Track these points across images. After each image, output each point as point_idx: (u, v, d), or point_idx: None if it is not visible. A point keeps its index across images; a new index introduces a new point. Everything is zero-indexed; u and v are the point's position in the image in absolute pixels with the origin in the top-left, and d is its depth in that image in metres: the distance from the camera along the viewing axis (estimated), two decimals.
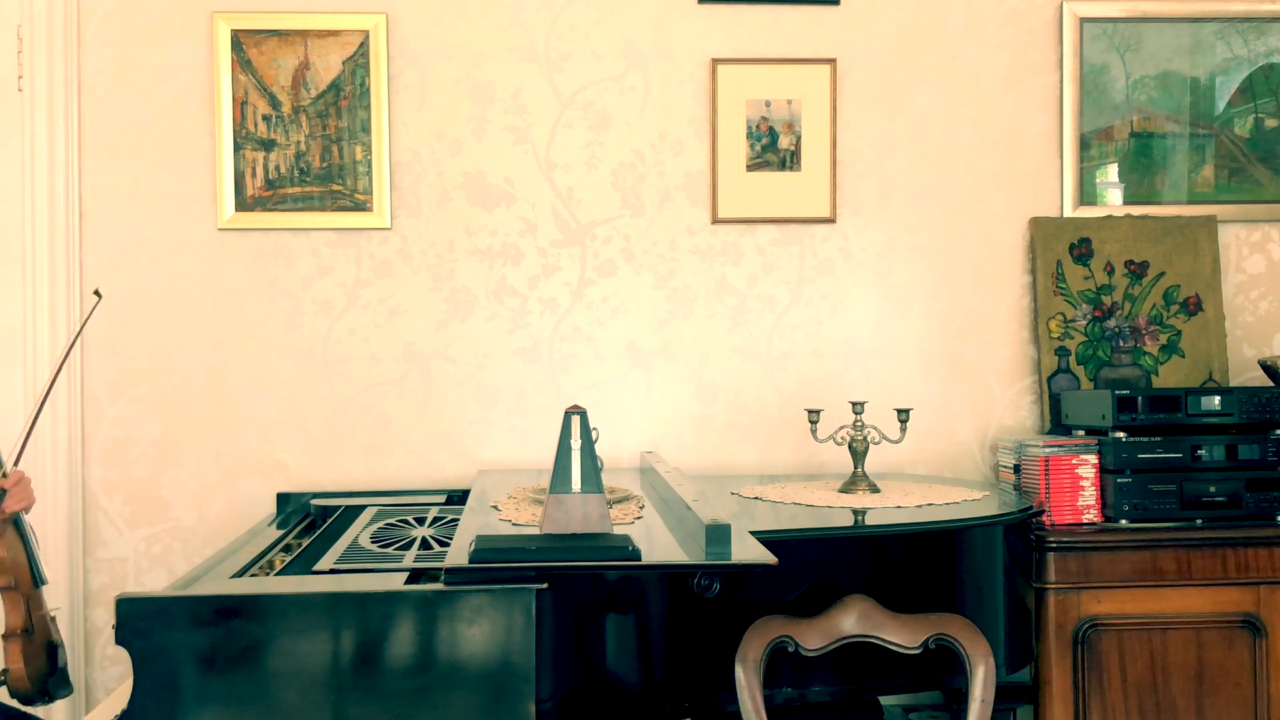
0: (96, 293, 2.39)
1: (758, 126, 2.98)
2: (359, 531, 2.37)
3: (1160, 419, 2.64)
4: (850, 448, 2.65)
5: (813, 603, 2.12)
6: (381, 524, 2.45)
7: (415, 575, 1.93)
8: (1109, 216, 3.04)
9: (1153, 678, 2.53)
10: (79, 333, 2.37)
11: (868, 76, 3.01)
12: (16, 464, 2.17)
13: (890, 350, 3.03)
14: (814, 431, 2.68)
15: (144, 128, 2.91)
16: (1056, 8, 3.04)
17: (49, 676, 2.15)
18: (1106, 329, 3.00)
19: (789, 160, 2.98)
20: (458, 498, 2.81)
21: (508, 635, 1.77)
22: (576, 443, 1.90)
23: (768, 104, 2.98)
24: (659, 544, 1.99)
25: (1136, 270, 3.01)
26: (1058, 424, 2.92)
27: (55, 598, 2.83)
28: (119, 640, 1.73)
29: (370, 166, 2.92)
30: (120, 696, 1.96)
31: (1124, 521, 2.59)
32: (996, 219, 3.04)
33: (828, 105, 2.98)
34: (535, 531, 1.98)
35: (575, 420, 1.90)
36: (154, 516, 2.91)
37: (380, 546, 2.22)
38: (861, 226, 3.02)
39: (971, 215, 3.04)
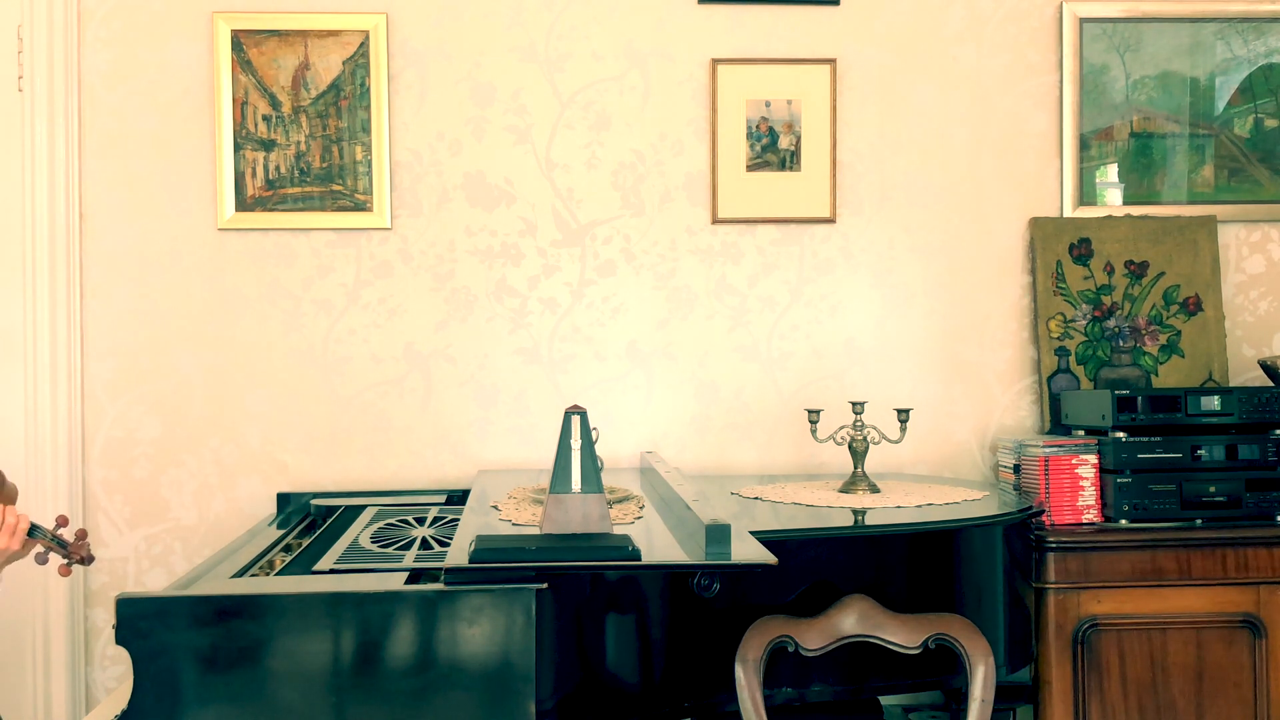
0: None
1: (758, 126, 2.98)
2: (359, 531, 2.37)
3: (1160, 419, 2.64)
4: (850, 448, 2.65)
5: (813, 603, 2.12)
6: (381, 524, 2.45)
7: (415, 575, 1.93)
8: (1109, 216, 3.04)
9: (1152, 678, 2.53)
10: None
11: (868, 76, 3.02)
12: None
13: (890, 350, 3.03)
14: (814, 431, 2.68)
15: (144, 128, 2.91)
16: (1056, 8, 3.04)
17: None
18: (1106, 329, 3.00)
19: (789, 160, 2.98)
20: (458, 498, 2.81)
21: (508, 635, 1.77)
22: (576, 443, 1.90)
23: (768, 104, 2.98)
24: (659, 544, 1.99)
25: (1136, 270, 3.01)
26: (1058, 424, 2.92)
27: (56, 597, 2.83)
28: (119, 640, 1.73)
29: (370, 166, 2.92)
30: (120, 696, 1.96)
31: (1124, 521, 2.60)
32: (996, 219, 3.04)
33: (828, 105, 2.98)
34: (535, 531, 1.98)
35: (575, 420, 1.90)
36: (154, 516, 2.91)
37: (380, 546, 2.22)
38: (861, 226, 3.02)
39: (971, 215, 3.04)
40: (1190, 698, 2.53)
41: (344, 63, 2.92)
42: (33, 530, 2.02)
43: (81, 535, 2.08)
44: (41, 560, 2.07)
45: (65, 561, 2.07)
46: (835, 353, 3.02)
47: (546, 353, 2.98)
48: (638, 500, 2.42)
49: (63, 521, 2.09)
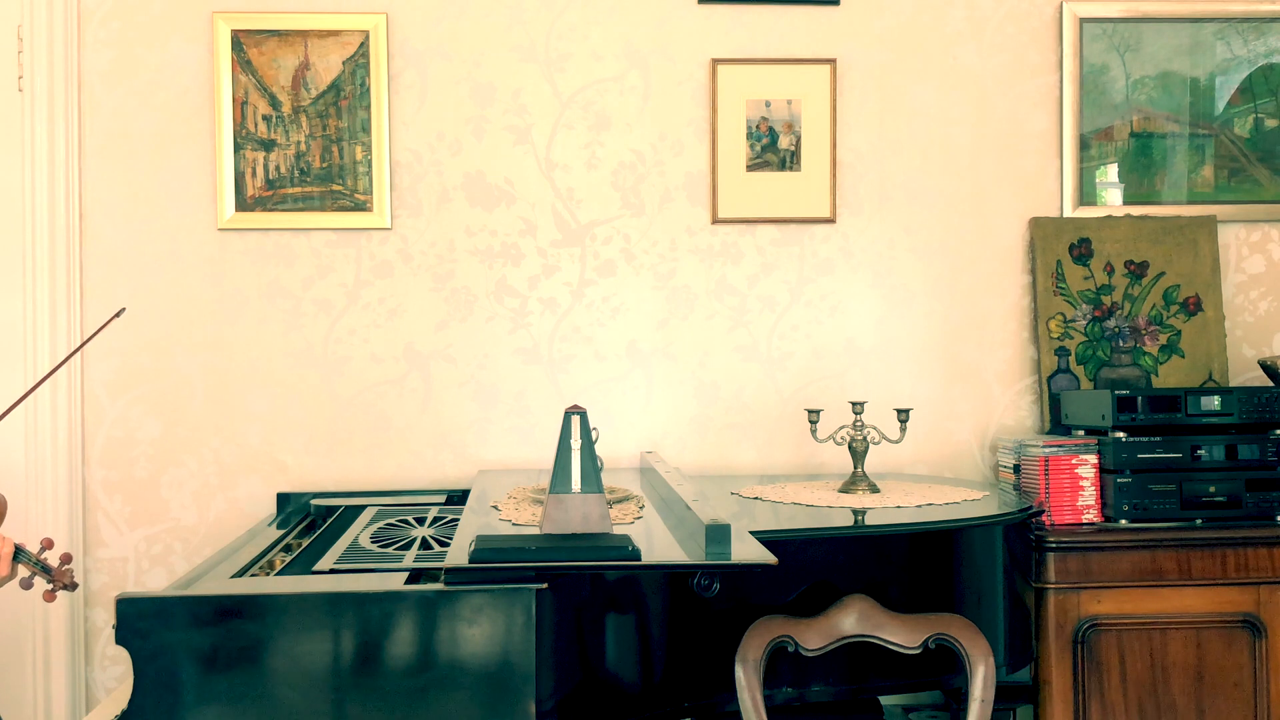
0: (119, 312, 2.37)
1: (758, 126, 2.98)
2: (359, 531, 2.37)
3: (1160, 419, 2.64)
4: (850, 448, 2.65)
5: (813, 603, 2.12)
6: (381, 524, 2.45)
7: (415, 575, 1.93)
8: (1109, 216, 3.04)
9: (1153, 678, 2.53)
10: (88, 339, 2.34)
11: (868, 76, 3.02)
12: None
13: (890, 350, 3.03)
14: (814, 431, 2.68)
15: (144, 128, 2.91)
16: (1056, 8, 3.04)
17: None
18: (1106, 329, 3.00)
19: (789, 160, 2.98)
20: (458, 498, 2.81)
21: (507, 635, 1.77)
22: (576, 443, 1.90)
23: (768, 104, 2.98)
24: (659, 544, 1.99)
25: (1136, 270, 3.01)
26: (1058, 424, 2.92)
27: (57, 598, 2.83)
28: (119, 640, 1.73)
29: (370, 166, 2.92)
30: (120, 696, 1.96)
31: (1124, 521, 2.60)
32: (996, 219, 3.04)
33: (828, 105, 2.98)
34: (535, 531, 1.98)
35: (575, 420, 1.90)
36: (154, 516, 2.91)
37: (380, 546, 2.22)
38: (861, 226, 3.02)
39: (971, 215, 3.04)
40: (1190, 698, 2.53)
41: (344, 63, 2.92)
42: (17, 554, 2.02)
43: (66, 560, 2.07)
44: (26, 585, 2.04)
45: (50, 587, 2.05)
46: (835, 353, 3.02)
47: (546, 353, 2.98)
48: (638, 500, 2.42)
49: (47, 544, 2.07)
